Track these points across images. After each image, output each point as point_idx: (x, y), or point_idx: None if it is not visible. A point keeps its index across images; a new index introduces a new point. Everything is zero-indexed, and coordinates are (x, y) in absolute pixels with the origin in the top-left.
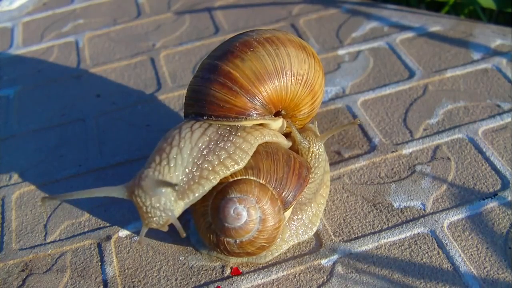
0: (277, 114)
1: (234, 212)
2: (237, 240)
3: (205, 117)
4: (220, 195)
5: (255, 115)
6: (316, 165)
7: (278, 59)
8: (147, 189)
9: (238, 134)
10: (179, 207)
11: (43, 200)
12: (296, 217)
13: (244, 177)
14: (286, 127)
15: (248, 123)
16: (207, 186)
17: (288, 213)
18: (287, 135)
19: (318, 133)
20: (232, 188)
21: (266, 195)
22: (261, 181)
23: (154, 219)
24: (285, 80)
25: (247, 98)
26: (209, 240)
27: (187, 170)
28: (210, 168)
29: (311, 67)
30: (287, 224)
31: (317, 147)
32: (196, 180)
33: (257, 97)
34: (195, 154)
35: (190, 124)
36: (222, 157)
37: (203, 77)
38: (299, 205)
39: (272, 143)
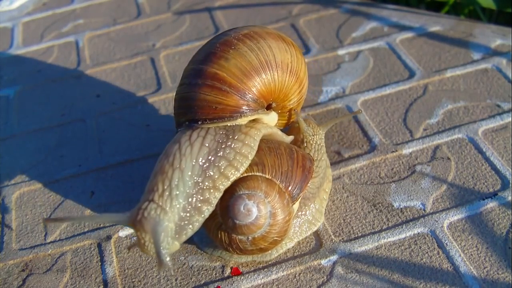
0: (268, 107)
1: (244, 209)
2: (250, 237)
3: (199, 122)
4: (228, 193)
5: (248, 111)
6: (319, 157)
7: (261, 52)
8: (148, 229)
9: (236, 137)
10: (175, 247)
11: (46, 221)
12: (300, 212)
13: (250, 174)
14: (283, 118)
15: (243, 121)
16: (207, 212)
17: (296, 206)
18: (290, 131)
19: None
20: (240, 185)
21: (274, 189)
22: (267, 176)
23: (150, 252)
24: (271, 72)
25: (238, 96)
26: (221, 241)
27: (189, 194)
28: (211, 185)
29: (293, 56)
30: (292, 221)
31: (319, 136)
32: (198, 205)
33: (248, 93)
34: (196, 172)
35: (188, 136)
36: (223, 168)
37: (190, 83)
38: (303, 200)
39: (272, 139)
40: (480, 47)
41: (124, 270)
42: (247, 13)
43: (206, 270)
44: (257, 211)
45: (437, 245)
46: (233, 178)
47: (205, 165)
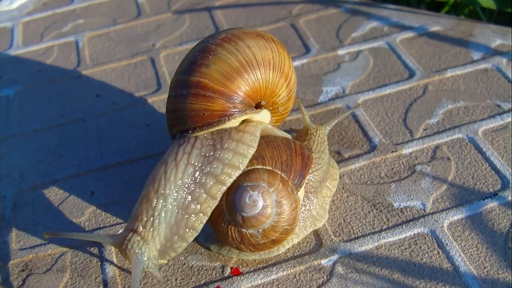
0: (258, 106)
1: (249, 200)
2: (260, 229)
3: (190, 131)
4: (232, 189)
5: (236, 112)
6: (322, 149)
7: (240, 53)
8: (131, 261)
9: (225, 145)
10: (162, 263)
11: (47, 233)
12: (304, 208)
13: (251, 168)
14: (276, 114)
15: (232, 123)
16: (191, 238)
17: (301, 194)
18: (299, 133)
19: None
20: (242, 179)
21: (276, 179)
22: (268, 168)
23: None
24: (253, 71)
25: (224, 99)
26: (232, 239)
27: (171, 222)
28: (198, 208)
29: (274, 51)
30: (299, 208)
31: (322, 131)
32: (181, 233)
33: (233, 96)
34: (180, 197)
35: (174, 154)
36: (209, 185)
37: (177, 95)
38: (306, 194)
39: (268, 133)
40: (480, 47)
41: (124, 270)
42: (247, 13)
43: (206, 270)
44: (262, 201)
45: (437, 245)
46: (220, 194)
47: (191, 187)
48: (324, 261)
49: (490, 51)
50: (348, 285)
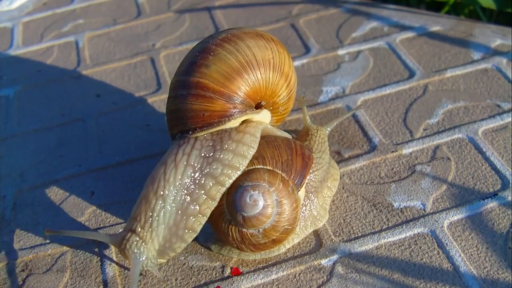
0: (258, 106)
1: (250, 199)
2: (260, 229)
3: (190, 132)
4: (233, 188)
5: (236, 113)
6: (322, 149)
7: (240, 54)
8: (129, 259)
9: (225, 146)
10: (161, 262)
11: (48, 231)
12: (304, 208)
13: (252, 167)
14: (276, 114)
15: (232, 124)
16: (190, 239)
17: (302, 194)
18: (299, 133)
19: None
20: (243, 179)
21: (277, 178)
22: (268, 167)
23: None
24: (254, 72)
25: (224, 100)
26: (233, 239)
27: (170, 224)
28: (197, 210)
29: (274, 51)
30: (300, 208)
31: (323, 131)
32: (180, 234)
33: (233, 96)
34: (179, 198)
35: (174, 155)
36: (209, 186)
37: (177, 95)
38: (307, 194)
39: (268, 133)
40: (480, 47)
41: (124, 270)
42: (247, 13)
43: (206, 270)
44: (263, 200)
45: (437, 245)
46: (219, 195)
47: (191, 187)
48: (324, 261)
49: (490, 51)
50: (348, 285)
